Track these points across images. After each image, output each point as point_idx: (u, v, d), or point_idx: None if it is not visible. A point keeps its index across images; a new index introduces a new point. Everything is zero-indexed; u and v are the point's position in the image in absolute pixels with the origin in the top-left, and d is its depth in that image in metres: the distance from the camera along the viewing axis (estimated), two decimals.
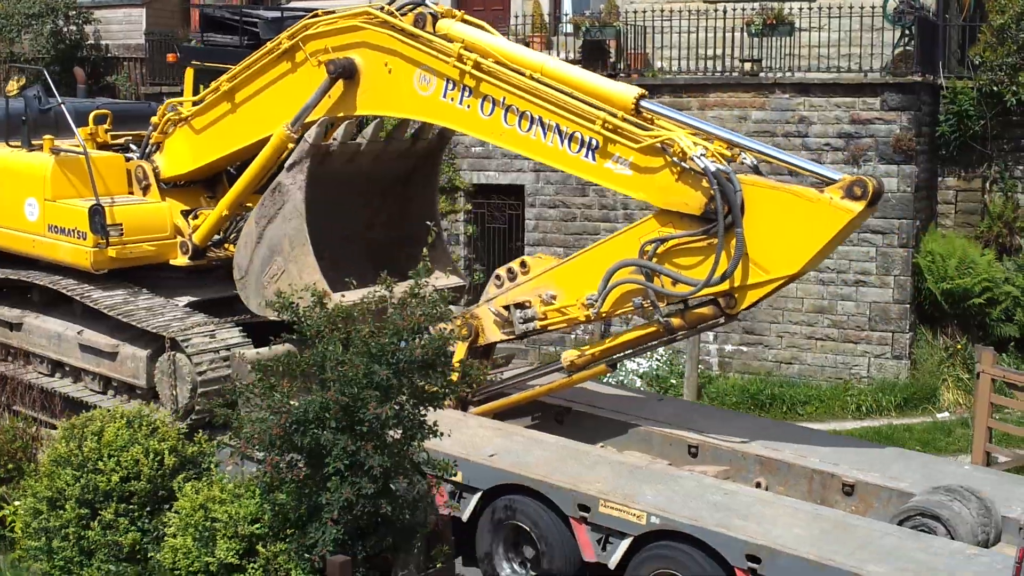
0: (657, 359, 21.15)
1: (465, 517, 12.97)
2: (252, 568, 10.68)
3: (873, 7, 21.18)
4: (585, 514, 12.13)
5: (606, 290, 13.47)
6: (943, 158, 21.92)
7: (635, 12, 23.02)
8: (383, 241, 16.78)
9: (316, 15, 15.28)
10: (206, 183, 17.37)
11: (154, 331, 15.21)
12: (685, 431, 14.13)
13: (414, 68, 14.32)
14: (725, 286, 12.73)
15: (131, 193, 17.12)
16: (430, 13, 14.45)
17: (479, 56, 13.78)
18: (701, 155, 12.52)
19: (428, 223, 14.93)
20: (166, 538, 11.08)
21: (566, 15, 24.13)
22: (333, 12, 15.11)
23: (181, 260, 16.84)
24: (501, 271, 14.99)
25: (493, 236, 23.74)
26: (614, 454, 13.75)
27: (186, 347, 14.91)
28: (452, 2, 25.94)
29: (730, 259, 12.53)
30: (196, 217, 16.90)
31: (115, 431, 11.74)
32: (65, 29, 27.21)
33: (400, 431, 11.06)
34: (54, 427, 14.64)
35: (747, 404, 20.05)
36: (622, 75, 22.40)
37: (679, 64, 22.38)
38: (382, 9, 14.59)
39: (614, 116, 13.03)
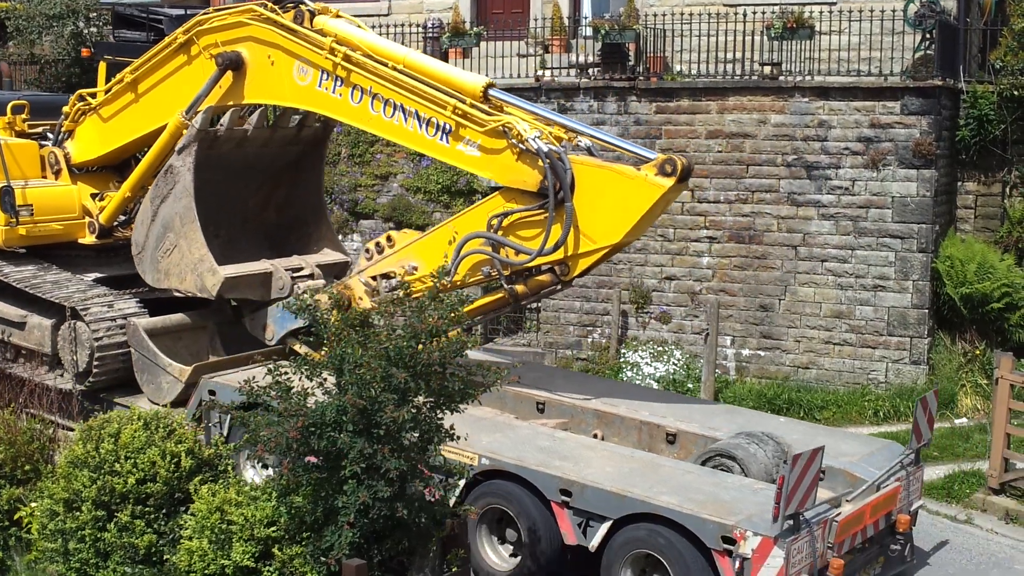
0: (674, 364, 21.12)
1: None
2: (268, 571, 10.71)
3: (894, 10, 21.11)
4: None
5: (458, 260, 14.91)
6: (963, 163, 21.84)
7: (655, 15, 22.98)
8: (276, 222, 18.30)
9: (207, 12, 16.97)
10: (116, 168, 18.76)
11: (58, 302, 16.82)
12: (535, 390, 15.51)
13: (293, 60, 15.82)
14: (559, 255, 14.28)
15: (44, 177, 18.53)
16: (308, 10, 15.94)
17: (348, 49, 15.28)
18: (536, 137, 14.06)
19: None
20: (182, 540, 11.11)
21: (585, 18, 24.08)
22: (224, 8, 16.82)
23: (89, 239, 18.37)
24: (370, 245, 16.29)
25: None
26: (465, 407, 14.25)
27: (85, 316, 16.51)
28: (472, 2, 25.97)
29: (562, 231, 14.03)
30: (102, 199, 18.34)
31: (132, 433, 11.78)
32: (86, 31, 27.28)
33: (417, 434, 11.06)
34: (71, 429, 14.69)
35: (764, 408, 19.95)
36: (641, 78, 22.39)
37: (698, 67, 22.33)
38: (265, 6, 16.06)
39: (463, 103, 14.55)
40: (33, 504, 12.52)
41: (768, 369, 21.19)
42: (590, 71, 23.23)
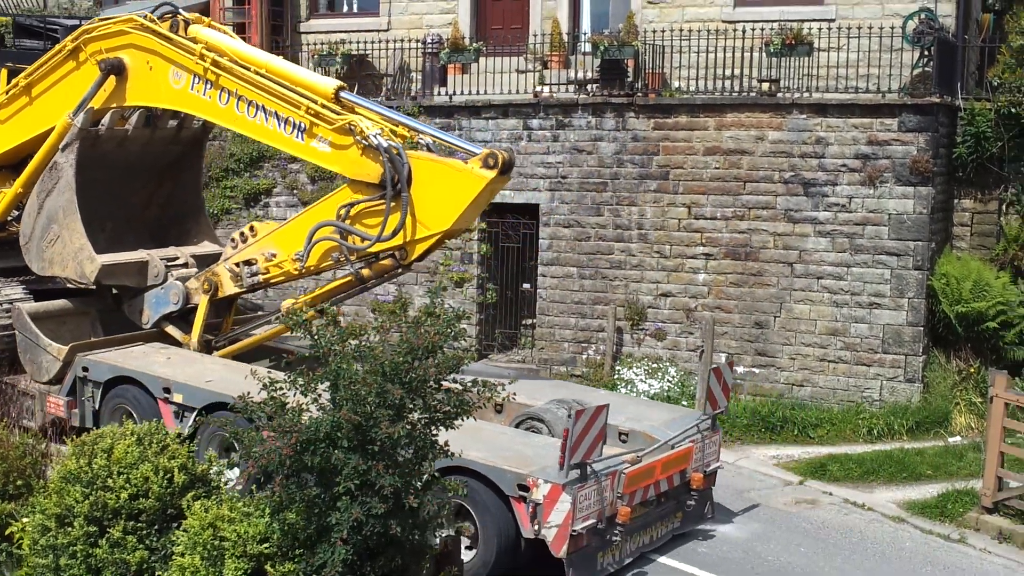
0: (669, 380, 21.12)
1: (186, 432, 15.29)
2: None
3: (892, 28, 21.17)
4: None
5: (309, 247, 16.79)
6: (960, 180, 21.87)
7: (654, 31, 23.04)
8: (158, 217, 20.21)
9: (92, 21, 18.94)
10: (14, 167, 19.76)
11: None
12: None
13: (169, 65, 17.64)
14: (397, 241, 16.10)
15: None
16: (183, 20, 17.85)
17: (217, 55, 17.16)
18: (377, 134, 15.97)
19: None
20: (174, 557, 11.08)
21: (584, 34, 24.13)
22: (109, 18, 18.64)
23: None
24: (235, 235, 18.20)
25: (507, 255, 23.74)
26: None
27: None
28: (471, 18, 26.01)
29: (399, 218, 15.88)
30: None
31: (125, 448, 11.77)
32: None
33: (411, 451, 11.07)
34: (64, 443, 14.68)
35: (758, 426, 20.01)
36: (640, 94, 22.43)
37: (697, 84, 22.38)
38: (146, 16, 17.89)
39: (315, 103, 16.47)
40: (25, 519, 12.46)
41: (763, 386, 21.20)
42: (589, 87, 23.28)
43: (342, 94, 16.70)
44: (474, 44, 24.65)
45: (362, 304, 24.44)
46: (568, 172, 22.75)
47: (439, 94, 24.71)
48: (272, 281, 18.08)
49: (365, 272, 16.87)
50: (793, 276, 21.06)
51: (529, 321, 23.66)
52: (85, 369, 17.33)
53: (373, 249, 16.39)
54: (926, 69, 21.33)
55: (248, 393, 11.38)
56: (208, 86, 17.36)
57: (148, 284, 18.77)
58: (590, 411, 13.37)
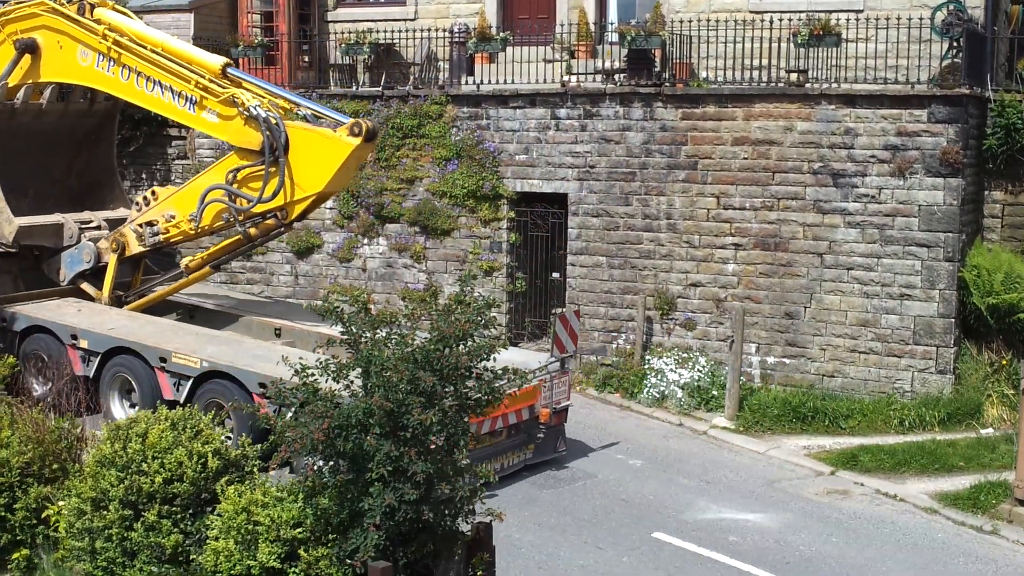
0: (699, 370, 21.08)
1: (91, 374, 18.33)
2: (293, 572, 10.72)
3: (921, 19, 21.05)
4: (164, 363, 17.52)
5: (202, 208, 19.04)
6: (990, 171, 21.73)
7: (681, 21, 22.98)
8: (77, 185, 22.32)
9: (8, 4, 20.73)
10: None
11: None
12: (276, 319, 20.03)
13: (77, 44, 19.78)
14: (278, 201, 18.27)
15: None
16: (89, 3, 19.75)
17: (118, 35, 19.35)
18: (256, 106, 18.21)
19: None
20: (208, 541, 11.11)
21: (611, 24, 24.08)
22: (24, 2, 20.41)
23: None
24: (139, 199, 20.57)
25: (536, 244, 23.73)
26: (205, 329, 19.22)
27: None
28: (498, 7, 25.99)
29: (278, 182, 18.03)
30: None
31: (159, 433, 11.81)
32: None
33: (443, 437, 11.07)
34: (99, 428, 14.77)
35: (789, 417, 19.95)
36: (667, 84, 22.37)
37: (724, 74, 22.31)
38: (56, 0, 19.89)
39: (203, 78, 18.68)
40: (61, 503, 12.54)
41: (793, 377, 21.12)
42: (616, 77, 23.23)
43: (229, 70, 18.93)
44: (501, 34, 24.60)
45: (392, 292, 24.49)
46: (596, 162, 22.71)
47: (466, 83, 24.69)
48: (171, 240, 20.15)
49: (252, 231, 19.23)
50: (823, 267, 20.97)
51: (558, 310, 23.59)
52: (4, 320, 19.83)
53: (256, 209, 18.59)
54: (955, 60, 21.20)
55: (279, 379, 11.37)
56: (111, 63, 19.56)
57: (64, 245, 20.96)
58: None
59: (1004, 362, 20.30)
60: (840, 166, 20.83)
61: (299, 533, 10.88)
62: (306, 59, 27.49)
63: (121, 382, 18.32)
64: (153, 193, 20.28)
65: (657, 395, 21.03)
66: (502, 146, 23.64)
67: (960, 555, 15.16)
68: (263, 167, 18.20)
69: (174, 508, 11.53)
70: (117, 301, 20.48)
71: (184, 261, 20.20)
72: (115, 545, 11.55)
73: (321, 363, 11.21)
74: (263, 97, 18.54)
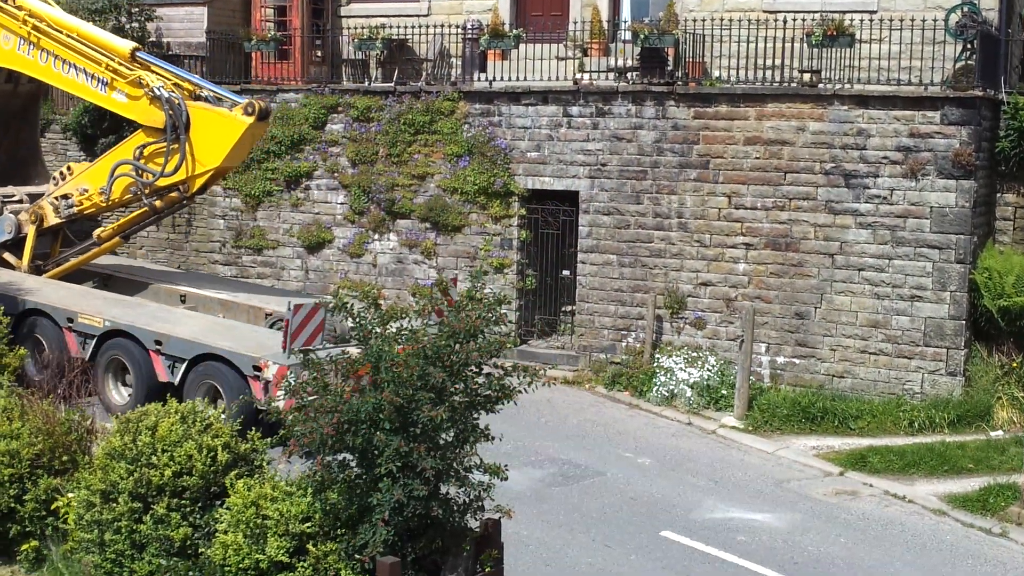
0: (709, 369, 21.07)
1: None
2: (302, 567, 10.73)
3: (935, 20, 21.01)
4: (71, 323, 19.43)
5: (111, 182, 20.66)
6: (1002, 174, 21.67)
7: (694, 20, 22.95)
8: (3, 162, 23.72)
9: None
10: None
11: None
12: (181, 287, 21.66)
13: (0, 29, 21.23)
14: (180, 176, 19.95)
15: None
16: None
17: (37, 21, 20.86)
18: (160, 87, 19.87)
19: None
20: (217, 534, 11.14)
21: (625, 22, 24.04)
22: None
23: None
24: (56, 174, 22.24)
25: (546, 241, 23.72)
26: (112, 294, 20.93)
27: None
28: (511, 4, 25.99)
29: (179, 157, 19.71)
30: None
31: (169, 426, 11.83)
32: (128, 26, 27.37)
33: (453, 434, 11.08)
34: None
35: (798, 417, 19.93)
36: (680, 83, 22.35)
37: (737, 73, 22.28)
38: None
39: (113, 61, 20.24)
40: (70, 495, 12.59)
41: (803, 377, 21.10)
42: (629, 75, 23.21)
43: (138, 54, 20.54)
44: (514, 31, 24.59)
45: (402, 288, 24.51)
46: (608, 160, 22.70)
47: (479, 80, 24.70)
48: (85, 212, 21.61)
49: (158, 203, 20.84)
50: (834, 267, 20.94)
51: (568, 308, 23.66)
52: None
53: (160, 183, 20.26)
54: (969, 62, 21.15)
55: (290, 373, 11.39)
56: (31, 47, 21.08)
57: None
58: (308, 306, 17.15)
59: (1014, 365, 20.26)
60: (852, 167, 20.80)
61: (308, 528, 10.90)
62: (319, 54, 27.50)
63: (34, 342, 19.96)
64: (68, 168, 22.01)
65: (666, 394, 21.01)
66: (514, 143, 23.64)
67: (969, 557, 15.14)
68: (165, 143, 19.94)
69: (183, 501, 11.55)
70: (36, 270, 21.96)
71: (96, 232, 21.73)
72: (124, 537, 11.58)
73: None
74: (168, 79, 20.15)
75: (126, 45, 20.60)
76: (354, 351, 11.52)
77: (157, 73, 20.27)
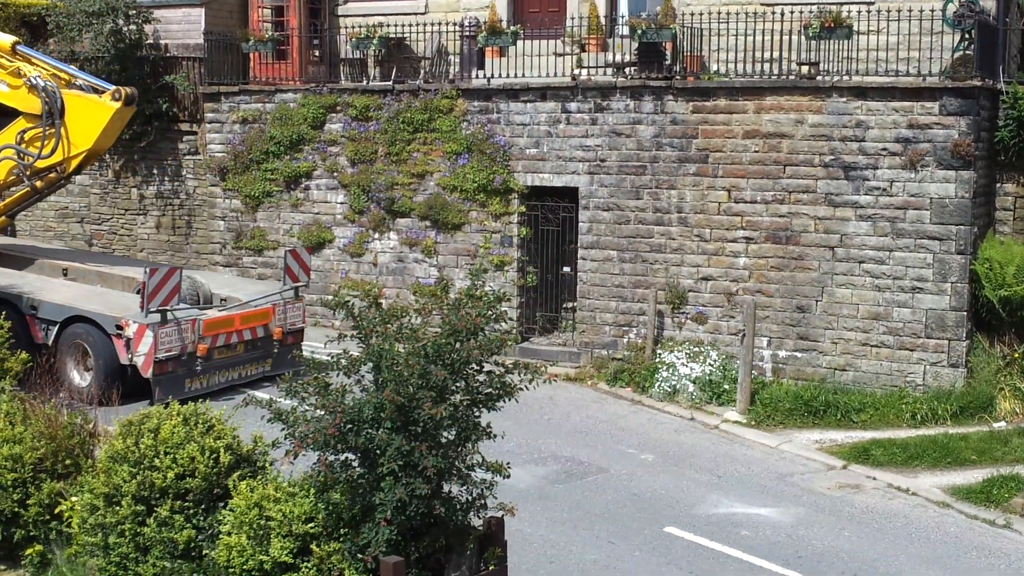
0: (711, 364, 21.06)
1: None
2: (306, 567, 10.72)
3: (933, 10, 20.98)
4: None
5: None
6: (1002, 164, 21.66)
7: (692, 14, 22.92)
8: None
9: None
10: None
11: None
12: (63, 261, 23.20)
13: None
14: (57, 157, 21.77)
15: None
16: None
17: None
18: (37, 77, 21.65)
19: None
20: (221, 536, 11.13)
21: (622, 17, 24.02)
22: None
23: None
24: None
25: (547, 238, 23.72)
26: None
27: None
28: (508, 1, 25.98)
29: (56, 141, 21.51)
30: None
31: (171, 428, 11.81)
32: (125, 28, 27.38)
33: (454, 432, 11.08)
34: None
35: (801, 411, 19.93)
36: (678, 77, 22.33)
37: (735, 67, 22.26)
38: None
39: None
40: (73, 498, 12.59)
41: (805, 371, 21.10)
42: (627, 70, 23.20)
43: (18, 47, 22.18)
44: (511, 27, 24.57)
45: (403, 287, 24.51)
46: (607, 155, 22.69)
47: (477, 77, 24.69)
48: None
49: (38, 184, 22.56)
50: (835, 260, 20.93)
51: (570, 304, 23.67)
52: None
53: (39, 165, 21.95)
54: (967, 52, 21.12)
55: (292, 374, 11.41)
56: None
57: None
58: (163, 270, 19.61)
59: (1016, 355, 20.26)
60: (851, 159, 20.79)
61: (311, 528, 10.89)
62: (316, 54, 27.51)
63: None
64: None
65: (668, 389, 21.02)
66: (512, 140, 23.63)
67: (973, 549, 15.14)
68: (42, 128, 21.62)
69: (186, 503, 11.54)
70: None
71: None
72: (128, 540, 11.58)
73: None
74: (46, 70, 21.88)
75: (7, 39, 22.32)
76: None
77: (36, 64, 22.04)
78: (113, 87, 21.68)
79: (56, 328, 20.25)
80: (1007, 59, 22.27)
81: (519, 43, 24.17)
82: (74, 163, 22.12)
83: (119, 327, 19.49)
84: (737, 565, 14.45)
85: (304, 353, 20.88)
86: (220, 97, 26.89)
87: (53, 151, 21.70)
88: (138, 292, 20.02)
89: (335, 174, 25.43)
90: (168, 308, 19.33)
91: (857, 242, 20.78)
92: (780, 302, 21.32)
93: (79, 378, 20.05)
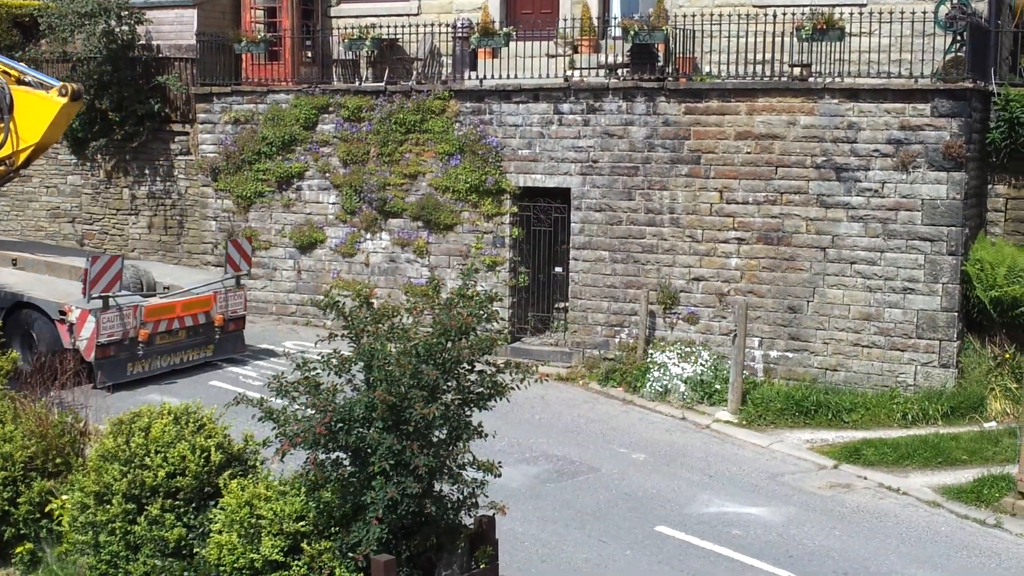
0: (702, 364, 21.08)
1: None
2: (297, 566, 10.72)
3: (924, 12, 21.03)
4: None
5: None
6: (993, 165, 21.71)
7: (684, 16, 22.95)
8: None
9: None
10: None
11: None
12: (12, 252, 23.63)
13: None
14: (6, 151, 22.24)
15: None
16: None
17: None
18: None
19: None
20: (211, 534, 11.12)
21: (615, 18, 24.07)
22: None
23: None
24: None
25: (539, 239, 23.73)
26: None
27: None
28: (501, 2, 26.00)
29: (4, 135, 22.05)
30: None
31: (162, 427, 11.81)
32: (117, 29, 27.37)
33: (446, 431, 11.08)
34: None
35: (792, 411, 19.96)
36: (671, 79, 22.36)
37: (728, 68, 22.29)
38: None
39: None
40: (64, 497, 12.59)
41: (796, 371, 21.13)
42: (619, 72, 23.22)
43: None
44: (504, 29, 24.59)
45: (395, 287, 24.51)
46: (599, 156, 22.71)
47: (469, 78, 24.72)
48: None
49: None
50: (826, 261, 20.97)
51: (561, 304, 23.69)
52: None
53: None
54: (959, 54, 21.17)
55: (282, 373, 11.41)
56: None
57: None
58: (105, 258, 20.45)
59: (1007, 356, 20.30)
60: (843, 160, 20.82)
61: (302, 527, 10.89)
62: (309, 55, 27.52)
63: None
64: None
65: (660, 389, 21.04)
66: (505, 141, 23.65)
67: (963, 548, 15.16)
68: None
69: (177, 502, 11.54)
70: None
71: None
72: (119, 539, 11.57)
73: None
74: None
75: None
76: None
77: None
78: (60, 83, 22.15)
79: (3, 315, 20.96)
80: (999, 61, 22.32)
81: (512, 44, 24.20)
82: (23, 156, 22.58)
83: (62, 313, 20.28)
84: (728, 564, 14.46)
85: (294, 352, 20.85)
86: (212, 98, 26.87)
87: (1, 145, 22.20)
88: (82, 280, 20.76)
89: (327, 174, 25.43)
90: (110, 295, 20.16)
91: (849, 243, 20.81)
92: (772, 302, 21.35)
93: (25, 363, 20.42)
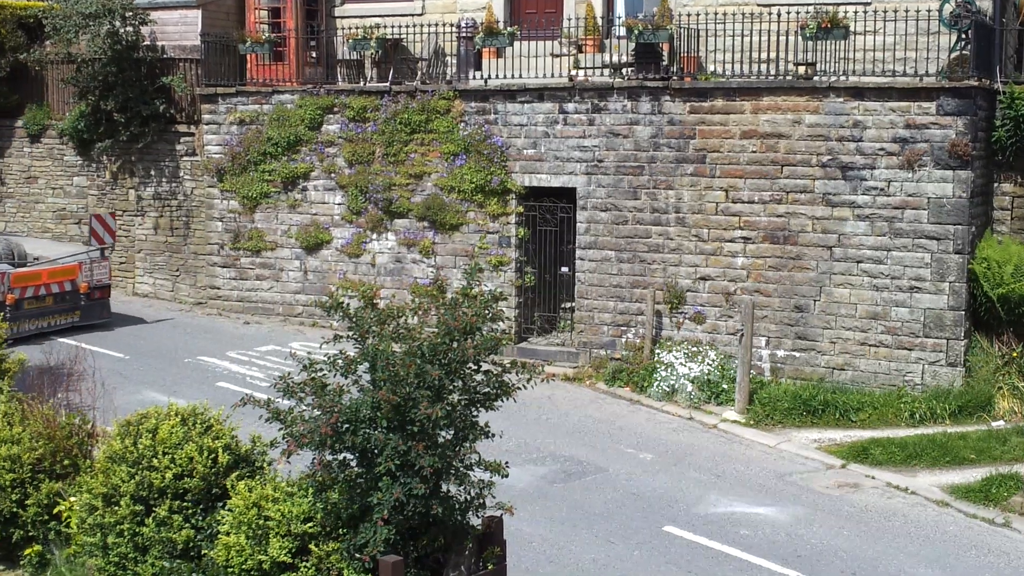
0: (709, 363, 21.07)
1: None
2: (304, 567, 10.69)
3: (929, 11, 21.00)
4: None
5: None
6: (999, 164, 21.68)
7: (688, 15, 22.94)
8: None
9: None
10: None
11: None
12: None
13: None
14: None
15: None
16: None
17: None
18: None
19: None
20: (219, 536, 11.10)
21: (619, 18, 24.05)
22: None
23: None
24: None
25: (544, 238, 23.72)
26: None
27: None
28: (505, 2, 26.00)
29: None
30: None
31: (170, 428, 11.78)
32: (122, 30, 27.36)
33: (451, 432, 11.06)
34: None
35: (799, 410, 19.93)
36: (675, 78, 22.35)
37: (732, 67, 22.29)
38: None
39: None
40: (72, 499, 12.56)
41: (803, 370, 21.10)
42: (624, 71, 23.21)
43: None
44: (508, 28, 24.58)
45: (401, 287, 24.50)
46: (604, 156, 22.70)
47: (474, 78, 24.71)
48: None
49: None
50: (832, 260, 20.95)
51: (568, 304, 23.68)
52: None
53: None
54: (964, 52, 21.14)
55: (288, 374, 11.40)
56: None
57: None
58: None
59: (1015, 354, 20.27)
60: (849, 159, 20.80)
61: (310, 528, 10.86)
62: (313, 55, 27.53)
63: None
64: None
65: (667, 389, 21.02)
66: (510, 141, 23.64)
67: (972, 548, 15.14)
68: None
69: (185, 503, 11.51)
70: None
71: None
72: (127, 540, 11.55)
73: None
74: None
75: None
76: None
77: None
78: None
79: None
80: (1004, 59, 22.28)
81: (516, 44, 24.19)
82: None
83: None
84: (736, 564, 14.45)
85: (300, 353, 20.83)
86: (217, 98, 26.88)
87: None
88: None
89: (333, 175, 25.43)
90: None
91: (855, 242, 20.79)
92: (778, 302, 21.33)
93: None
